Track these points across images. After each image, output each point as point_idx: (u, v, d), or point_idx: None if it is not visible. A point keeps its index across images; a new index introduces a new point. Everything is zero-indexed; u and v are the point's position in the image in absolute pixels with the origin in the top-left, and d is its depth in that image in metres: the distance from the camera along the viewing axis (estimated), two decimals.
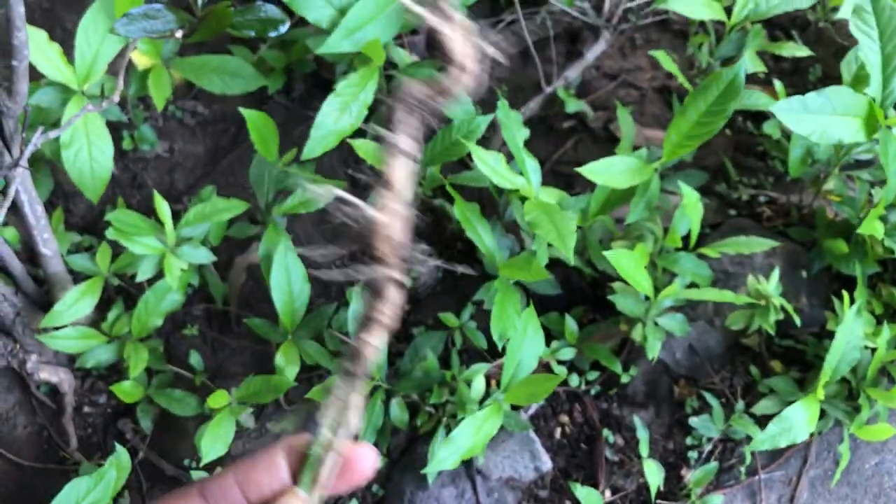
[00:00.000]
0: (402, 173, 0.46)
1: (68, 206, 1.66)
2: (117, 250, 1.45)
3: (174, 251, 1.39)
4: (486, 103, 1.78)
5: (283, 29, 0.97)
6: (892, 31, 1.15)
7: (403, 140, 0.46)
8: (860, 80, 1.40)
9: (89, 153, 1.36)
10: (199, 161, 1.70)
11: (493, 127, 1.70)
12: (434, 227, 1.70)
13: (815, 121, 1.28)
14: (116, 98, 1.13)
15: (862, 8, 1.15)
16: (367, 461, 0.46)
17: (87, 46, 1.36)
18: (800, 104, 1.27)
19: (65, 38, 1.76)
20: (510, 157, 1.70)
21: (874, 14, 1.14)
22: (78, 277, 1.46)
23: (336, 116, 1.44)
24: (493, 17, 1.85)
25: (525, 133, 1.46)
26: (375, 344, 0.45)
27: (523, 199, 1.41)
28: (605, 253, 1.36)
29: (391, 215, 0.45)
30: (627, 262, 1.36)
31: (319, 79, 1.75)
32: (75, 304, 1.41)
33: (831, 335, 1.36)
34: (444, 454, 1.30)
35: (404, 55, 1.69)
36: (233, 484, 0.43)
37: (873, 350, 1.41)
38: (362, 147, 1.56)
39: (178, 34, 0.96)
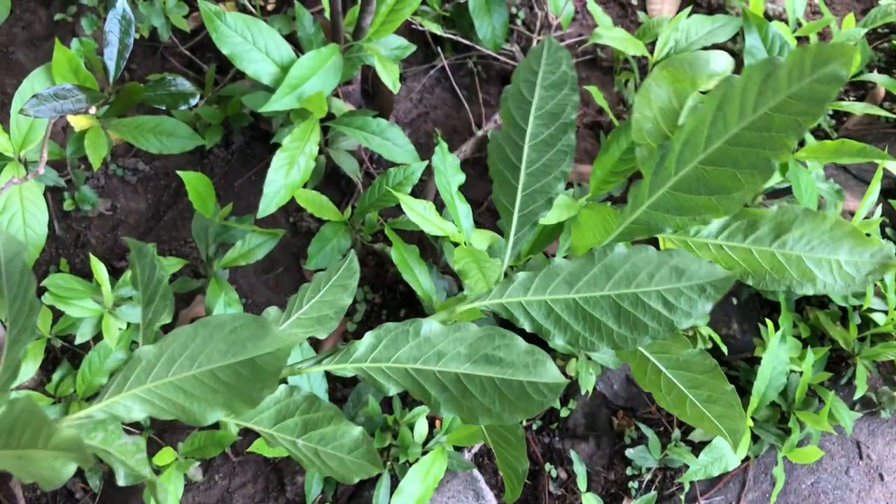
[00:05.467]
0: None
1: None
2: (60, 311, 1.47)
3: (112, 312, 1.41)
4: (424, 147, 1.83)
5: (194, 102, 1.00)
6: None
7: None
8: None
9: (23, 220, 1.37)
10: (142, 217, 1.73)
11: (430, 170, 1.74)
12: (377, 272, 1.73)
13: None
14: (41, 170, 1.15)
15: (754, 46, 1.20)
16: None
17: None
18: None
19: (5, 102, 1.79)
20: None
21: (766, 51, 1.19)
22: None
23: (286, 171, 1.48)
24: (425, 63, 1.89)
25: (461, 178, 1.49)
26: None
27: (456, 243, 1.45)
28: None
29: None
30: None
31: (258, 131, 1.78)
32: None
33: (760, 361, 1.40)
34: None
35: (340, 105, 1.73)
36: None
37: (801, 374, 1.45)
38: (304, 196, 1.59)
39: (92, 111, 0.99)
